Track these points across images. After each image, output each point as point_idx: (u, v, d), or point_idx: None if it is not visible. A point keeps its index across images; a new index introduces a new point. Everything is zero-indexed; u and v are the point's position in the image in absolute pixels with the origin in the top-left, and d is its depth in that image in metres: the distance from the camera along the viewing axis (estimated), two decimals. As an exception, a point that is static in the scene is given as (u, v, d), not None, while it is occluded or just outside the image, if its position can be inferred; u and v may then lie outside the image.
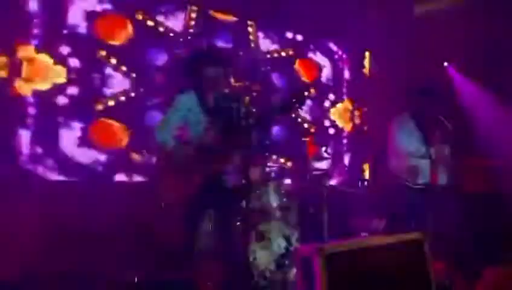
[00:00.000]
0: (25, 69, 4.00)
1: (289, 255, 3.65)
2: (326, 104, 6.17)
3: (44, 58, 4.12)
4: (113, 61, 4.48)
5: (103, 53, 4.43)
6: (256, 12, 5.43)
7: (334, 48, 6.28)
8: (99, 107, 4.37)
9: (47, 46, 4.14)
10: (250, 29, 5.50)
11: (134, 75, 4.60)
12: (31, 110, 4.04)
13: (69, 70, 4.21)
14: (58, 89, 4.16)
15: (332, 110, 6.21)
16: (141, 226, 4.15)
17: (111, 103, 4.44)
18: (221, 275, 3.02)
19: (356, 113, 6.40)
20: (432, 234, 3.58)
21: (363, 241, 2.32)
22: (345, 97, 6.35)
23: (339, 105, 6.28)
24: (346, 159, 6.24)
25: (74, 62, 4.27)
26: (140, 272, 3.75)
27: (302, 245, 3.67)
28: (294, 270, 2.88)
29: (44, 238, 3.89)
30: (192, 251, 2.91)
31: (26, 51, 4.04)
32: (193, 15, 5.06)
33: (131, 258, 4.00)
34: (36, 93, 4.06)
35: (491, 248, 4.17)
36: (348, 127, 6.31)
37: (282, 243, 3.75)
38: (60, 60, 4.19)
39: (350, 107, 6.37)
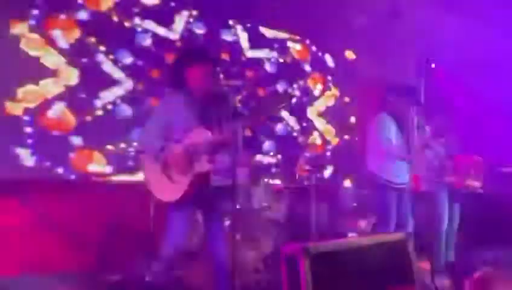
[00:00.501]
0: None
1: (277, 255, 3.68)
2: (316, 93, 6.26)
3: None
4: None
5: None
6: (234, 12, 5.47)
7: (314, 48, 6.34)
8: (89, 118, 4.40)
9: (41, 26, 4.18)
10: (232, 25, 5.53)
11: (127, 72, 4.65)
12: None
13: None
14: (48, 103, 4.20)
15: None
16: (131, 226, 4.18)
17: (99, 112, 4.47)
18: (209, 275, 3.01)
19: (346, 99, 6.52)
20: (414, 233, 3.62)
21: (347, 241, 2.34)
22: (331, 85, 6.44)
23: (328, 93, 6.37)
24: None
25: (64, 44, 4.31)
26: (126, 272, 3.77)
27: (288, 245, 3.69)
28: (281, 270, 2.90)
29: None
30: (180, 251, 2.90)
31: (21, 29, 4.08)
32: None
33: (118, 258, 4.01)
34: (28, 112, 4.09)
35: (477, 247, 4.22)
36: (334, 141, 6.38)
37: (270, 243, 3.78)
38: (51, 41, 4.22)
39: (337, 94, 6.46)
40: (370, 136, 3.91)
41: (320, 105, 6.31)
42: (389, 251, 2.31)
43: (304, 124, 6.09)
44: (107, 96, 4.52)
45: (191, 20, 5.17)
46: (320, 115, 6.29)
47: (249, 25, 5.64)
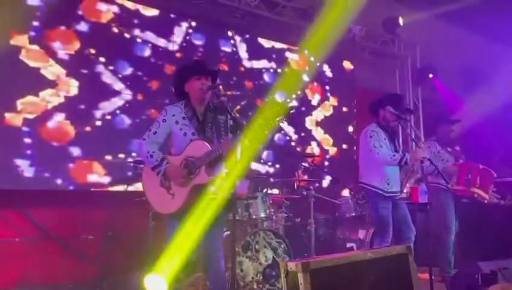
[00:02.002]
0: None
1: (276, 266, 3.67)
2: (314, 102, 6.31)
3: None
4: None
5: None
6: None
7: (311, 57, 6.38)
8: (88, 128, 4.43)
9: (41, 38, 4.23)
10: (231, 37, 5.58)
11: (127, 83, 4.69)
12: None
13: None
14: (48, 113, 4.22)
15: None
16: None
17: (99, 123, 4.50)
18: (208, 286, 3.01)
19: (344, 109, 6.58)
20: (417, 242, 3.62)
21: (347, 255, 2.33)
22: (329, 94, 6.51)
23: (325, 102, 6.43)
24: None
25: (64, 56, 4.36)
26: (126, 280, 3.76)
27: (288, 259, 3.68)
28: (281, 282, 2.89)
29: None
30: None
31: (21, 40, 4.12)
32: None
33: (118, 270, 4.00)
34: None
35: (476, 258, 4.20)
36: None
37: (269, 254, 3.77)
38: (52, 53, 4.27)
39: (335, 103, 6.52)
40: (361, 147, 3.93)
41: (318, 115, 6.34)
42: (389, 264, 2.31)
43: (302, 134, 6.11)
44: (107, 107, 4.54)
45: (190, 31, 5.22)
46: (318, 124, 6.33)
47: (247, 35, 5.68)
